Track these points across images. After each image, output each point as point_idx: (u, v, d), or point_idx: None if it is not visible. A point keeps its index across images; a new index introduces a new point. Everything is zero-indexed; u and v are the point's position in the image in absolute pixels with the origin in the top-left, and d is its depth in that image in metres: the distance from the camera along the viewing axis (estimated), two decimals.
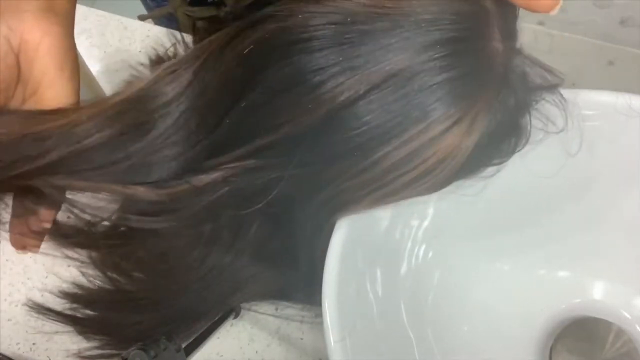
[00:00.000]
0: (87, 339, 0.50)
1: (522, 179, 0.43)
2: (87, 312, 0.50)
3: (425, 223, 0.47)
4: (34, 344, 0.52)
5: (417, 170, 0.34)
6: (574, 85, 0.42)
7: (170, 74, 0.38)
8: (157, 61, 0.61)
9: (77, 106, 0.40)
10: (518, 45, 0.36)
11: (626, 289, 0.48)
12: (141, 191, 0.38)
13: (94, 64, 0.64)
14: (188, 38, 0.62)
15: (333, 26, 0.33)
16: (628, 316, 0.48)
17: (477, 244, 0.49)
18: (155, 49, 0.62)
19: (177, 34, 0.65)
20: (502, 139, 0.37)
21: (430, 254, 0.48)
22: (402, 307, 0.46)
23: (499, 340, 0.48)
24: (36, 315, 0.51)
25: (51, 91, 0.39)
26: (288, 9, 0.35)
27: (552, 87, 0.38)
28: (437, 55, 0.32)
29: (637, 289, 0.48)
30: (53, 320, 0.50)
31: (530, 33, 1.29)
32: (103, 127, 0.37)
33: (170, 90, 0.38)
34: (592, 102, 0.43)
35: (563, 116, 0.40)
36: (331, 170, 0.36)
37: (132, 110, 0.38)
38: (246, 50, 0.36)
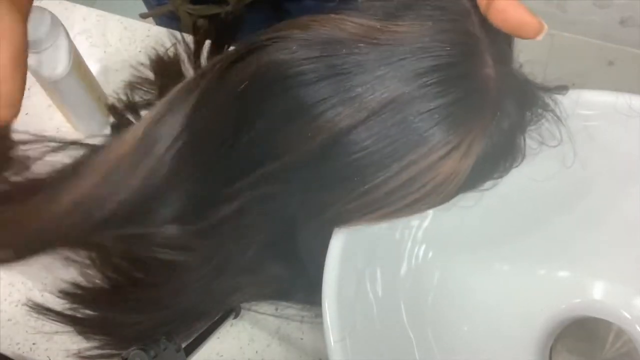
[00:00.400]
0: (87, 339, 0.50)
1: (522, 181, 0.43)
2: (87, 312, 0.50)
3: (425, 223, 0.47)
4: (34, 344, 0.52)
5: (417, 194, 0.35)
6: (573, 86, 0.42)
7: (166, 115, 0.41)
8: (157, 61, 0.62)
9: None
10: (513, 67, 0.36)
11: (626, 288, 0.48)
12: (171, 229, 0.44)
13: (94, 64, 0.64)
14: (188, 38, 0.62)
15: (327, 58, 0.34)
16: (628, 316, 0.48)
17: (477, 245, 0.49)
18: (155, 49, 0.62)
19: (178, 34, 0.65)
20: (498, 159, 0.38)
21: (430, 254, 0.48)
22: (402, 307, 0.46)
23: (499, 340, 0.48)
24: (36, 315, 0.51)
25: None
26: (279, 39, 0.36)
27: (547, 108, 0.39)
28: (430, 82, 0.33)
29: (637, 289, 0.48)
30: (53, 320, 0.50)
31: None
32: (119, 189, 0.43)
33: (167, 133, 0.41)
34: (592, 102, 0.43)
35: (558, 133, 0.40)
36: (332, 194, 0.37)
37: (141, 161, 0.41)
38: (241, 87, 0.37)
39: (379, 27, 0.34)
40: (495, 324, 0.48)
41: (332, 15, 0.35)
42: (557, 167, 0.44)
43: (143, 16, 0.71)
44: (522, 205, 0.47)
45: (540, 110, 0.38)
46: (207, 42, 0.61)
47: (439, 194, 0.35)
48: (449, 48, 0.33)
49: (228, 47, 0.61)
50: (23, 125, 0.61)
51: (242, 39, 0.58)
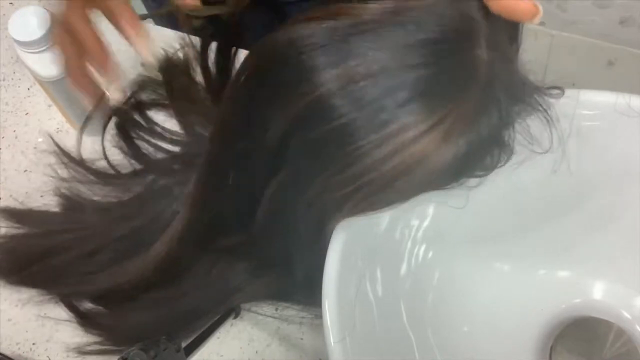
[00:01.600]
0: (87, 332, 0.51)
1: (522, 181, 0.43)
2: (89, 306, 0.51)
3: (425, 223, 0.47)
4: (33, 344, 0.52)
5: (393, 171, 0.34)
6: (573, 85, 0.42)
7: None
8: (165, 62, 0.62)
9: None
10: (509, 57, 0.36)
11: (626, 289, 0.48)
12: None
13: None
14: (195, 39, 0.62)
15: (329, 31, 0.34)
16: (628, 316, 0.48)
17: (477, 244, 0.49)
18: (163, 50, 0.62)
19: (175, 34, 0.65)
20: (485, 153, 0.37)
21: (430, 254, 0.48)
22: (402, 307, 0.46)
23: (499, 340, 0.48)
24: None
25: None
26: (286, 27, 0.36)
27: (538, 107, 0.38)
28: (416, 54, 0.33)
29: (637, 289, 0.48)
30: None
31: (530, 32, 1.29)
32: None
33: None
34: (592, 102, 0.43)
35: (550, 135, 0.40)
36: (316, 169, 0.37)
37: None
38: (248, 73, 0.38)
39: (377, 7, 0.34)
40: (496, 324, 0.48)
41: (339, 4, 0.35)
42: (557, 167, 0.43)
43: (142, 18, 0.71)
44: (522, 205, 0.47)
45: (530, 107, 0.38)
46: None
47: (415, 177, 0.34)
48: (443, 24, 0.33)
49: (235, 49, 0.61)
50: (23, 124, 0.61)
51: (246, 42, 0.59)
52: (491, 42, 0.34)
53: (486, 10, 0.34)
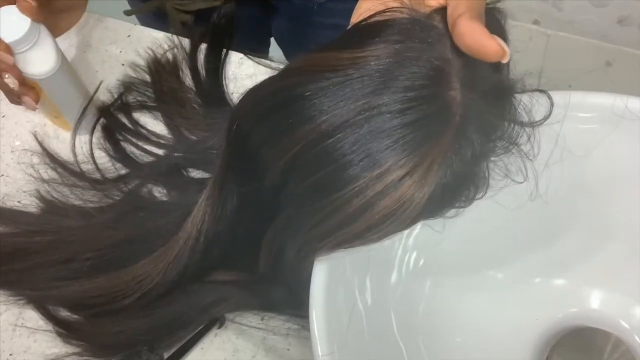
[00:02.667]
0: (66, 343, 0.50)
1: (516, 188, 0.42)
2: (69, 315, 0.50)
3: (416, 230, 0.46)
4: (10, 354, 0.50)
5: (371, 219, 0.35)
6: (570, 87, 0.42)
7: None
8: (153, 63, 0.61)
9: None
10: (485, 94, 0.36)
11: (624, 298, 0.47)
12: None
13: (73, 65, 0.62)
14: (184, 41, 0.61)
15: (296, 86, 0.35)
16: (626, 326, 0.47)
17: (470, 252, 0.48)
18: (152, 50, 0.61)
19: (161, 34, 0.64)
20: (460, 188, 0.38)
21: (422, 262, 0.47)
22: (393, 317, 0.45)
23: (492, 351, 0.47)
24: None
25: None
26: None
27: (513, 141, 0.38)
28: (391, 101, 0.33)
29: (636, 298, 0.47)
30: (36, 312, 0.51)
31: (525, 32, 1.28)
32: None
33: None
34: (589, 104, 0.42)
35: (524, 169, 0.39)
36: (300, 216, 0.38)
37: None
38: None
39: (343, 56, 0.34)
40: (489, 334, 0.48)
41: (314, 55, 0.36)
42: (553, 174, 0.42)
43: (127, 13, 0.69)
44: (516, 212, 0.46)
45: (507, 144, 0.37)
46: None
47: (395, 220, 0.35)
48: (413, 69, 0.33)
49: (225, 51, 0.61)
50: (21, 123, 0.60)
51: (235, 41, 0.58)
52: (466, 80, 0.34)
53: (459, 49, 0.34)
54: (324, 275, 0.39)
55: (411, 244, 0.47)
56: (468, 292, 0.48)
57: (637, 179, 0.44)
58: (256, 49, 0.76)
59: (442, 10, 0.35)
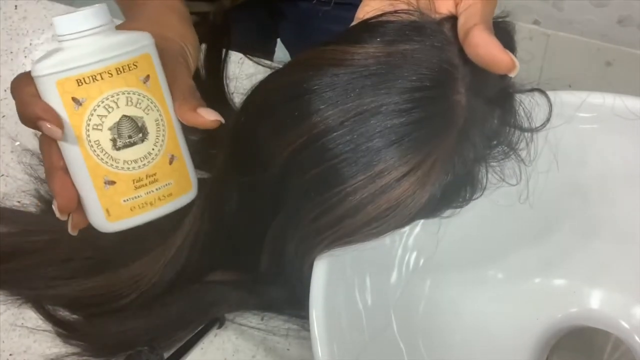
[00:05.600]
0: (66, 343, 0.50)
1: (516, 187, 0.42)
2: (68, 315, 0.50)
3: (417, 230, 0.46)
4: (10, 354, 0.50)
5: (371, 214, 0.35)
6: (570, 87, 0.42)
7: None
8: None
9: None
10: (490, 100, 0.36)
11: (624, 298, 0.47)
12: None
13: None
14: None
15: (306, 78, 0.36)
16: (626, 326, 0.47)
17: (470, 252, 0.48)
18: None
19: None
20: (458, 190, 0.38)
21: (422, 261, 0.47)
22: (393, 317, 0.45)
23: (492, 351, 0.47)
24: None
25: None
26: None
27: (513, 147, 0.38)
28: (398, 100, 0.34)
29: (636, 298, 0.47)
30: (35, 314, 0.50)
31: (526, 32, 1.29)
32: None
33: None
34: (589, 104, 0.42)
35: (517, 173, 0.40)
36: (299, 210, 0.38)
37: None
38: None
39: (354, 50, 0.35)
40: (489, 334, 0.48)
41: (322, 48, 0.37)
42: (553, 172, 0.42)
43: None
44: (516, 212, 0.46)
45: (506, 149, 0.38)
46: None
47: (395, 217, 0.35)
48: (422, 70, 0.34)
49: (225, 51, 0.61)
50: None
51: (236, 41, 0.59)
52: (472, 85, 0.34)
53: (466, 55, 0.34)
54: (324, 275, 0.39)
55: (411, 244, 0.47)
56: (468, 292, 0.48)
57: (637, 178, 0.44)
58: (262, 50, 0.76)
59: (451, 19, 0.36)
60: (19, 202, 0.56)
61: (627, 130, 0.42)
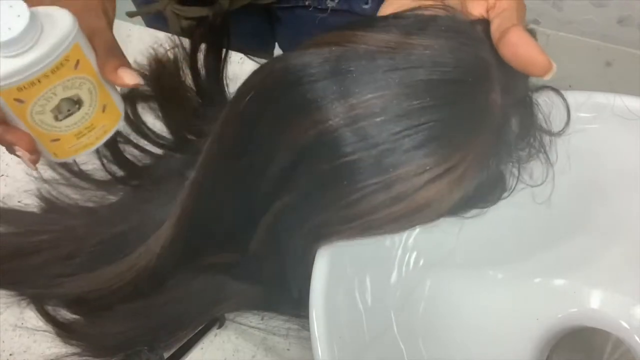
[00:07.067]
0: (66, 343, 0.50)
1: (517, 193, 0.42)
2: (68, 315, 0.50)
3: (416, 230, 0.46)
4: (10, 354, 0.50)
5: (401, 210, 0.34)
6: (570, 87, 0.41)
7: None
8: (154, 62, 0.61)
9: None
10: (523, 99, 0.36)
11: (624, 298, 0.47)
12: None
13: None
14: (185, 41, 0.61)
15: (333, 61, 0.34)
16: (626, 326, 0.46)
17: (470, 252, 0.47)
18: (153, 50, 0.61)
19: (161, 34, 0.64)
20: (490, 190, 0.38)
21: (422, 261, 0.47)
22: (393, 317, 0.45)
23: (492, 352, 0.47)
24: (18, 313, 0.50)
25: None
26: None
27: (543, 149, 0.38)
28: (431, 94, 0.32)
29: (636, 298, 0.47)
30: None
31: None
32: None
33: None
34: (589, 104, 0.42)
35: (544, 171, 0.40)
36: (317, 199, 0.36)
37: None
38: (250, 95, 0.37)
39: (389, 39, 0.33)
40: (489, 335, 0.47)
41: (347, 32, 0.35)
42: (552, 173, 0.42)
43: (130, 15, 0.70)
44: (516, 212, 0.45)
45: (534, 150, 0.38)
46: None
47: (422, 215, 0.34)
48: (460, 65, 0.33)
49: (225, 51, 0.61)
50: None
51: (235, 43, 0.59)
52: (505, 85, 0.34)
53: (499, 56, 0.34)
54: (324, 275, 0.39)
55: (411, 244, 0.46)
56: (468, 292, 0.48)
57: (637, 179, 0.44)
58: (261, 54, 0.76)
59: (483, 22, 0.35)
60: (19, 202, 0.56)
61: (627, 130, 0.42)
